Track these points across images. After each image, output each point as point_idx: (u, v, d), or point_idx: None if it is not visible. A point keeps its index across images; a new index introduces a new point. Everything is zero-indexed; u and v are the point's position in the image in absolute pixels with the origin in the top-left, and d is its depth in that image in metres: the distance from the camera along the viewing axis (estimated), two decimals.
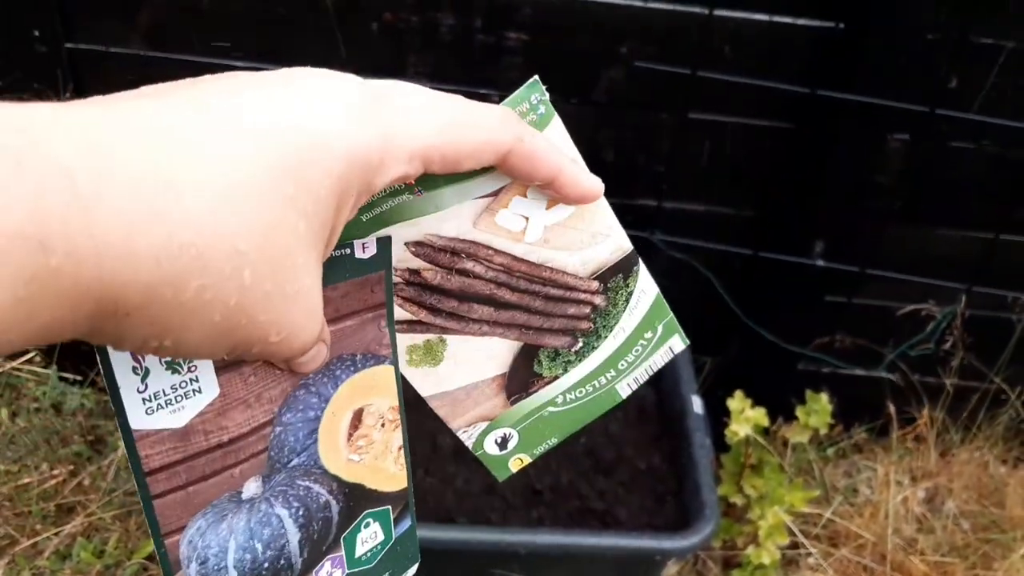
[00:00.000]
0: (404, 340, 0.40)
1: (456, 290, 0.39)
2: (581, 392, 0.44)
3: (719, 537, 1.39)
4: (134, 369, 0.30)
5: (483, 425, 0.43)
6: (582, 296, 0.41)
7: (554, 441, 0.45)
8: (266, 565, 0.36)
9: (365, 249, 0.35)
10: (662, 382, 1.38)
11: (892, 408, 1.52)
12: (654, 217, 1.32)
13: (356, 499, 0.39)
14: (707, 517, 1.15)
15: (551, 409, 0.44)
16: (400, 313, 0.39)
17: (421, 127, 0.30)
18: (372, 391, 0.38)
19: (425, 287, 0.38)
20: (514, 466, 0.45)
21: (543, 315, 0.41)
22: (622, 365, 0.44)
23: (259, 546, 0.35)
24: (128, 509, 1.37)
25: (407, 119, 0.30)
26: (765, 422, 1.31)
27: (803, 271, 1.34)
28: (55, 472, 1.40)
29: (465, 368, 0.41)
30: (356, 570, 0.40)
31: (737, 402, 1.32)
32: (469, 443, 0.44)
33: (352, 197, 0.29)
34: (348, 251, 0.34)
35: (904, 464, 1.55)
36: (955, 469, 1.54)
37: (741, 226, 1.38)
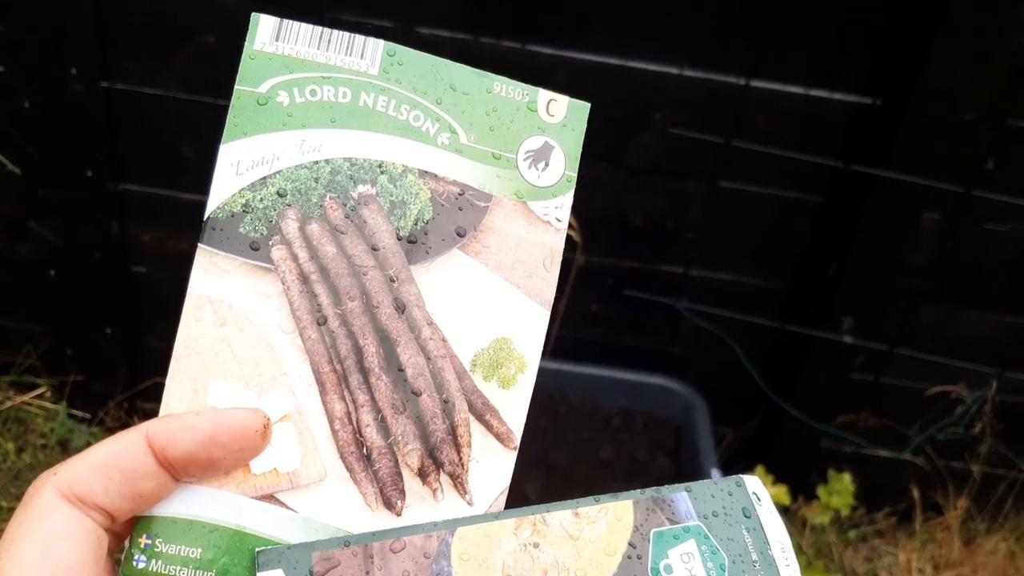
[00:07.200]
0: None
1: None
2: None
3: None
4: None
5: None
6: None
7: None
8: None
9: None
10: (681, 453, 1.35)
11: (916, 492, 1.47)
12: (681, 285, 1.30)
13: None
14: None
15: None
16: None
17: None
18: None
19: None
20: None
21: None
22: None
23: None
24: None
25: None
26: (787, 500, 1.27)
27: (830, 347, 1.31)
28: None
29: None
30: None
31: (758, 478, 1.29)
32: None
33: None
34: None
35: (927, 551, 1.49)
36: (979, 559, 1.49)
37: (769, 298, 1.35)
